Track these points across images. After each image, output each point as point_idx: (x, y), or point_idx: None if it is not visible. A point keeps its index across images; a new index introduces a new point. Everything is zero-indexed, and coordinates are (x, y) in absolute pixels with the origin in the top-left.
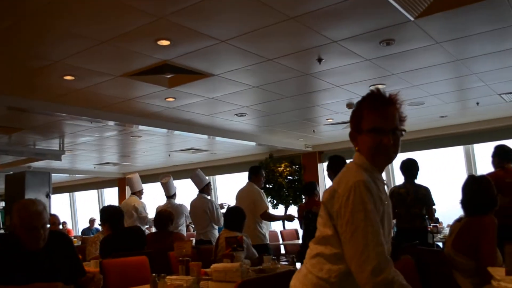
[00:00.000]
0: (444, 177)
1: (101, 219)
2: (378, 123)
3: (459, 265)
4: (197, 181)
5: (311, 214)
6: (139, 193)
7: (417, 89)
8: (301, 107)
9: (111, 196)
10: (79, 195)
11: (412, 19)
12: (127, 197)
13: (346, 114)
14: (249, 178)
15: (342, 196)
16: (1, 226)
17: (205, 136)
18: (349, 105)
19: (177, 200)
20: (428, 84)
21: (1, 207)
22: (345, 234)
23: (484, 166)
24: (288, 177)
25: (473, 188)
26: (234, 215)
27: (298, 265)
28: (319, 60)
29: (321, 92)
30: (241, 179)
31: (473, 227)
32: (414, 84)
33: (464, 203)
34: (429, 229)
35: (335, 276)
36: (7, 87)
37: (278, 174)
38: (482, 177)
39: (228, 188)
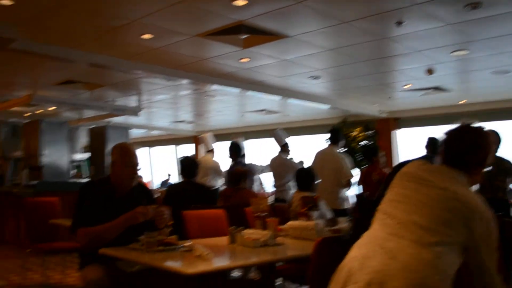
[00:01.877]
0: None
1: (179, 169)
2: None
3: None
4: (277, 140)
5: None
6: (211, 152)
7: (503, 56)
8: (377, 72)
9: (187, 152)
10: (155, 150)
11: None
12: (200, 155)
13: (425, 81)
14: (332, 141)
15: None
16: (87, 176)
17: (278, 98)
18: (429, 71)
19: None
20: None
21: (86, 158)
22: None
23: None
24: (362, 142)
25: None
26: (307, 176)
27: None
28: (399, 23)
29: (399, 57)
30: (314, 141)
31: None
32: (500, 51)
33: None
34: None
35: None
36: (90, 44)
37: (352, 139)
38: None
39: (299, 150)
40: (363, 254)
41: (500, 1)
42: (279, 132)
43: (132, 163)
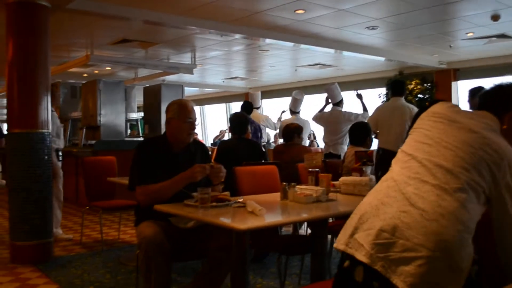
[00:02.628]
0: None
1: (230, 125)
2: None
3: None
4: (332, 95)
5: None
6: (258, 109)
7: None
8: (437, 20)
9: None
10: (208, 108)
11: None
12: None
13: (490, 28)
14: (397, 93)
15: None
16: (141, 134)
17: (332, 51)
18: (494, 17)
19: (303, 115)
20: None
21: (141, 117)
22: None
23: None
24: (419, 95)
25: None
26: (361, 131)
27: None
28: None
29: (462, 2)
30: (368, 95)
31: None
32: None
33: None
34: None
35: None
36: (143, 1)
37: (408, 92)
38: None
39: (353, 103)
40: (380, 200)
41: None
42: (334, 87)
43: (190, 119)
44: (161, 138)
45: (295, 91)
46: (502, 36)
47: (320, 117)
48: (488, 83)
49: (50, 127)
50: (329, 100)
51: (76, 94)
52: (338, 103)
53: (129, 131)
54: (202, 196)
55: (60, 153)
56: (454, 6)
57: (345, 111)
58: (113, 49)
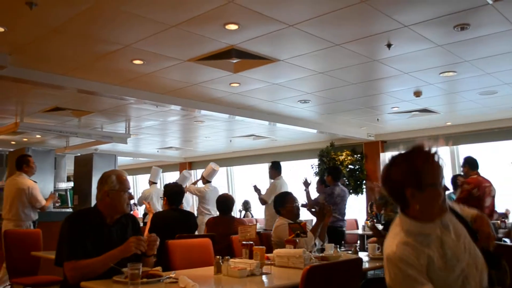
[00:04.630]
0: None
1: (164, 193)
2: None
3: None
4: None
5: None
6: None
7: (490, 77)
8: (366, 95)
9: (172, 180)
10: (141, 178)
11: (490, 2)
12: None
13: (413, 103)
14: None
15: None
16: (70, 205)
17: (266, 123)
18: (416, 93)
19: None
20: (502, 72)
21: (70, 187)
22: None
23: None
24: (349, 166)
25: None
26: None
27: (360, 254)
28: (389, 45)
29: (388, 79)
30: (301, 166)
31: None
32: (487, 71)
33: None
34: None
35: None
36: (79, 70)
37: (339, 163)
38: None
39: (287, 175)
40: None
41: (487, 22)
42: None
43: (128, 189)
44: (93, 210)
45: (212, 163)
46: (424, 110)
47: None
48: None
49: None
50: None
51: (3, 162)
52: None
53: (58, 201)
54: (132, 272)
55: None
56: (380, 83)
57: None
58: (44, 117)
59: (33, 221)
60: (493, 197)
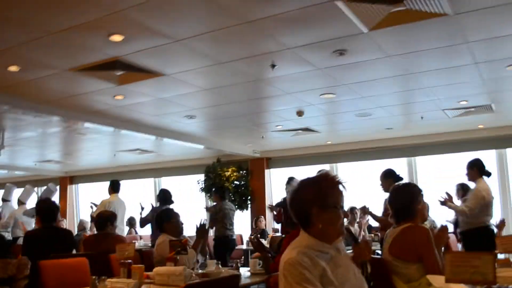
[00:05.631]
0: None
1: (36, 210)
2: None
3: (397, 270)
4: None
5: None
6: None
7: (365, 100)
8: (251, 112)
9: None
10: (17, 192)
11: (365, 31)
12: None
13: (296, 122)
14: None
15: None
16: None
17: (153, 137)
18: (299, 113)
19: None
20: (377, 96)
21: None
22: None
23: (424, 178)
24: (235, 182)
25: (390, 197)
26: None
27: (242, 270)
28: (273, 66)
29: (272, 98)
30: (187, 181)
31: (409, 235)
32: (363, 95)
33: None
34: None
35: None
36: None
37: (225, 179)
38: (397, 185)
39: (173, 191)
40: None
41: (363, 49)
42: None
43: None
44: None
45: (28, 185)
46: (307, 129)
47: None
48: (296, 172)
49: None
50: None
51: None
52: None
53: None
54: None
55: None
56: (265, 101)
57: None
58: None
59: None
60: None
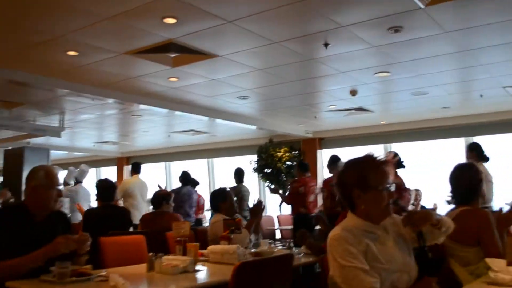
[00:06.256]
0: (445, 168)
1: (96, 189)
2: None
3: (455, 253)
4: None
5: None
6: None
7: (421, 79)
8: (303, 92)
9: (109, 175)
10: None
11: (422, 6)
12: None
13: (349, 101)
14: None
15: None
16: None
17: (206, 118)
18: (352, 92)
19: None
20: (433, 74)
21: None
22: None
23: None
24: (287, 162)
25: (455, 175)
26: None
27: (294, 250)
28: (326, 45)
29: (325, 78)
30: (240, 162)
31: (469, 218)
32: (418, 73)
33: (451, 191)
34: None
35: None
36: (10, 60)
37: (277, 159)
38: (463, 165)
39: (226, 171)
40: None
41: (419, 26)
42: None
43: (58, 186)
44: (20, 207)
45: (83, 164)
46: (360, 109)
47: None
48: (350, 152)
49: None
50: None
51: None
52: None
53: None
54: (60, 271)
55: None
56: (318, 81)
57: None
58: None
59: None
60: (317, 194)
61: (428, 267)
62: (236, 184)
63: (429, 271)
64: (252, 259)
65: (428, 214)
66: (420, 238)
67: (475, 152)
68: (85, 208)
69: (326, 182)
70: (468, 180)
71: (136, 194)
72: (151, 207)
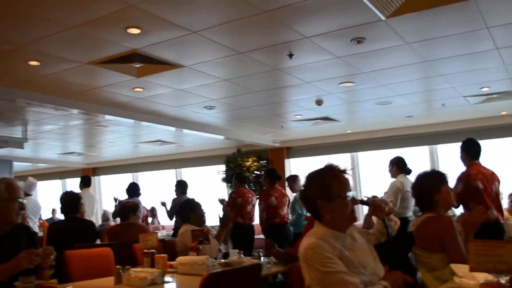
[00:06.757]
0: (410, 176)
1: (60, 201)
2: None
3: (422, 259)
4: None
5: None
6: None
7: (385, 88)
8: (270, 102)
9: (74, 186)
10: (41, 184)
11: (383, 18)
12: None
13: (315, 111)
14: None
15: None
16: None
17: (173, 128)
18: (318, 102)
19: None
20: (397, 84)
21: None
22: None
23: (447, 166)
24: (255, 172)
25: (414, 184)
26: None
27: (263, 259)
28: (290, 55)
29: (290, 88)
30: (208, 172)
31: (434, 225)
32: (382, 83)
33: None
34: None
35: None
36: None
37: (246, 169)
38: (421, 174)
39: (194, 181)
40: None
41: (381, 37)
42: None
43: (19, 199)
44: None
45: (31, 177)
46: (326, 118)
47: None
48: (316, 161)
49: None
50: None
51: None
52: None
53: None
54: (23, 286)
55: None
56: (283, 91)
57: None
58: None
59: None
60: (254, 205)
61: (401, 248)
62: (176, 196)
63: (404, 249)
64: (221, 269)
65: (383, 200)
66: (385, 225)
67: (396, 166)
68: (36, 222)
69: (263, 195)
70: (420, 188)
71: (85, 207)
72: (100, 221)
